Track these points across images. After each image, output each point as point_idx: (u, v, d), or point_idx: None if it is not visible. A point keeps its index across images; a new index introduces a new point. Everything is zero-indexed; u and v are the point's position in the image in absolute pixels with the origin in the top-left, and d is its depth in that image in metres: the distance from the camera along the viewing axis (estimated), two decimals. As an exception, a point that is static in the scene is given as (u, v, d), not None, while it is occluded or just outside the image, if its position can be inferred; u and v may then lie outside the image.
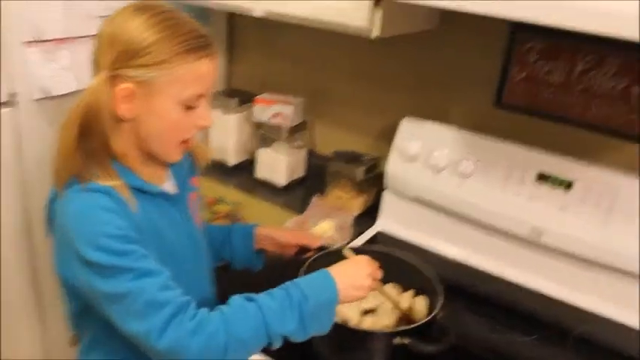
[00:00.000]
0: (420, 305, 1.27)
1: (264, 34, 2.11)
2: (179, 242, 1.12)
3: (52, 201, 1.05)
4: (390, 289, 1.33)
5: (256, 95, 1.98)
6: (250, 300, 0.99)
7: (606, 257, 1.40)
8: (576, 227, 1.42)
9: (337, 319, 1.09)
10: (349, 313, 1.25)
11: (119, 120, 1.01)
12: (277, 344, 0.99)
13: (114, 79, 0.98)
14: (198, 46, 0.98)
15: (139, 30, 0.96)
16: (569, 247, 1.44)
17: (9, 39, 1.42)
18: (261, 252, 1.37)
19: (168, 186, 1.15)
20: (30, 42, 1.45)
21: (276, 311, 0.97)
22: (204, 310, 0.95)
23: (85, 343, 1.15)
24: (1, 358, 1.78)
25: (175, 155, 1.08)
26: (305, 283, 1.04)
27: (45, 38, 1.47)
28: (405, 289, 1.34)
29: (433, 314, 1.17)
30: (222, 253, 1.36)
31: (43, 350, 1.85)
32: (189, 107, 1.02)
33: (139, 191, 1.03)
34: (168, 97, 0.99)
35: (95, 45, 1.00)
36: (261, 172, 2.03)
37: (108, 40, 0.98)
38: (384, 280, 1.31)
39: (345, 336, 1.16)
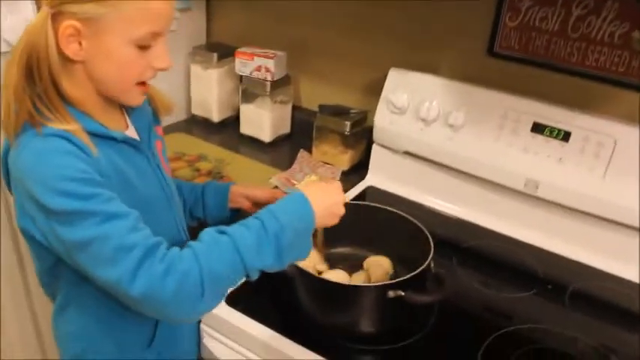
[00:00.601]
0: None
1: (244, -16, 2.02)
2: (149, 190, 1.06)
3: (6, 154, 0.97)
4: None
5: (237, 49, 1.90)
6: (222, 233, 0.93)
7: (605, 210, 1.36)
8: (574, 179, 1.37)
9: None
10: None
11: (70, 61, 0.93)
12: (254, 276, 0.95)
13: (57, 15, 0.89)
14: None
15: None
16: (567, 200, 1.40)
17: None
18: (236, 211, 1.32)
19: (131, 133, 1.08)
20: (-13, -7, 1.36)
21: (251, 244, 0.92)
22: (175, 250, 0.89)
23: (58, 301, 1.09)
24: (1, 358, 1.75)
25: (134, 98, 1.02)
26: (281, 210, 0.97)
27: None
28: (391, 244, 1.30)
29: (427, 263, 1.12)
30: (195, 211, 1.31)
31: (41, 351, 1.82)
32: (143, 47, 0.94)
33: (100, 137, 0.96)
34: (118, 37, 0.91)
35: None
36: (246, 128, 1.96)
37: None
38: (378, 235, 1.28)
39: (336, 293, 1.12)
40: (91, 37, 0.91)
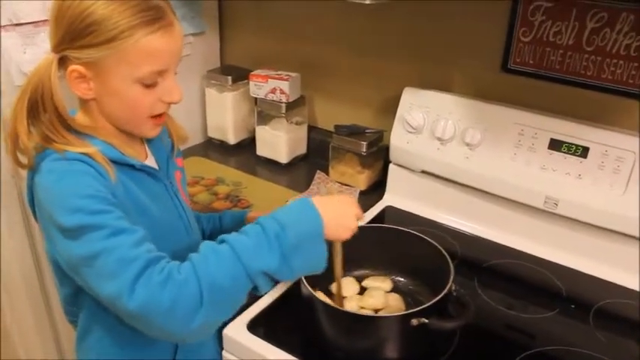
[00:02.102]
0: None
1: (256, 8, 2.02)
2: (166, 216, 1.08)
3: (31, 186, 1.00)
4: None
5: (251, 71, 1.91)
6: (221, 242, 0.93)
7: (627, 226, 1.33)
8: (594, 196, 1.35)
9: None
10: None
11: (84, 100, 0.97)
12: (263, 286, 0.93)
13: (63, 60, 0.93)
14: (145, 21, 0.91)
15: (82, 7, 0.89)
16: (587, 217, 1.38)
17: (-16, 25, 1.36)
18: None
19: (150, 162, 1.10)
20: (6, 26, 1.38)
21: (250, 247, 0.91)
22: (174, 262, 0.89)
23: (80, 328, 1.11)
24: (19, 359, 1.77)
25: (149, 131, 1.03)
26: (282, 214, 0.96)
27: (22, 21, 1.40)
28: (411, 266, 1.29)
29: (448, 288, 1.11)
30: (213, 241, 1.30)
31: (58, 350, 1.83)
32: (148, 85, 0.95)
33: (117, 164, 0.98)
34: (121, 78, 0.94)
35: (48, 22, 0.95)
36: (262, 150, 1.97)
37: (53, 19, 0.93)
38: (397, 257, 1.27)
39: (358, 323, 1.10)
40: (96, 78, 0.94)
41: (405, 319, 1.07)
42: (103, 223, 0.87)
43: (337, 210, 1.03)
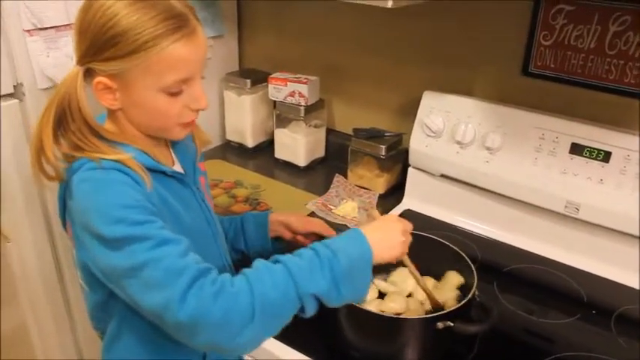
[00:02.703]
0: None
1: (274, 11, 2.03)
2: (195, 223, 1.08)
3: (62, 196, 1.01)
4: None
5: (270, 74, 1.91)
6: (275, 261, 0.93)
7: (650, 231, 1.32)
8: (616, 201, 1.34)
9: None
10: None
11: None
12: (310, 309, 0.92)
13: (90, 71, 0.94)
14: (168, 30, 0.90)
15: (104, 19, 0.89)
16: (609, 222, 1.37)
17: (9, 28, 1.37)
18: (277, 240, 1.31)
19: (177, 168, 1.10)
20: (30, 30, 1.39)
21: (304, 269, 0.91)
22: (226, 274, 0.89)
23: (108, 335, 1.11)
24: (36, 359, 1.78)
25: (178, 134, 1.04)
26: (334, 241, 0.97)
27: (45, 26, 1.41)
28: (431, 271, 1.28)
29: (472, 293, 1.12)
30: (236, 244, 1.31)
31: (76, 350, 1.84)
32: (174, 93, 0.95)
33: (150, 171, 0.98)
34: (146, 88, 0.94)
35: (73, 35, 0.96)
36: (281, 153, 1.97)
37: (77, 32, 0.93)
38: (417, 262, 1.27)
39: (384, 325, 1.11)
40: (121, 89, 0.94)
41: (430, 321, 1.07)
42: (147, 234, 0.87)
43: (384, 232, 1.03)
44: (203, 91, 0.99)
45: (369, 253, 0.97)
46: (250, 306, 0.85)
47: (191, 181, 1.11)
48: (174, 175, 1.05)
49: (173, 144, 1.13)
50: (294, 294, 0.89)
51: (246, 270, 0.91)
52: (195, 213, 1.09)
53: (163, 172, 1.02)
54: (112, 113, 1.00)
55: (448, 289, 1.23)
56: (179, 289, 0.83)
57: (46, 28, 1.41)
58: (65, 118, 0.95)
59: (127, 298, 0.91)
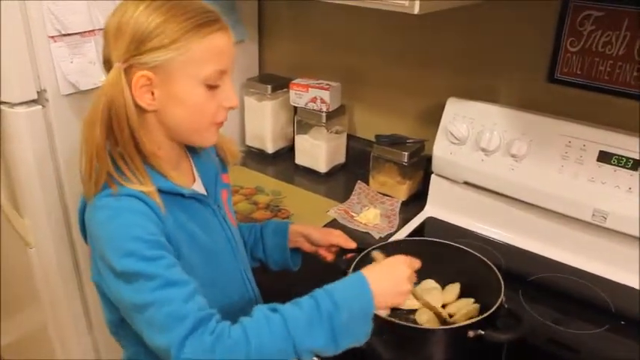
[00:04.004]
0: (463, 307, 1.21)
1: (295, 16, 2.03)
2: (214, 243, 1.08)
3: (82, 211, 1.00)
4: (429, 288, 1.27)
5: (290, 80, 1.91)
6: (275, 311, 0.91)
7: (680, 241, 1.30)
8: (645, 209, 1.32)
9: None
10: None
11: (143, 112, 0.96)
12: (307, 358, 0.91)
13: (129, 70, 0.93)
14: (207, 21, 0.94)
15: (144, 15, 0.91)
16: (638, 231, 1.34)
17: (34, 34, 1.37)
18: (296, 251, 1.30)
19: (198, 186, 1.10)
20: (55, 36, 1.39)
21: (303, 324, 0.89)
22: (225, 323, 0.88)
23: (125, 355, 1.12)
24: (56, 358, 1.79)
25: (210, 137, 1.04)
26: (337, 290, 0.94)
27: (70, 32, 1.41)
28: (456, 279, 1.27)
29: (500, 300, 1.10)
30: (255, 252, 1.31)
31: (94, 350, 1.84)
32: (212, 87, 0.96)
33: (168, 194, 0.98)
34: (188, 78, 0.94)
35: (103, 42, 0.96)
36: (301, 159, 1.97)
37: (114, 33, 0.93)
38: (442, 270, 1.25)
39: (414, 336, 1.09)
40: (162, 84, 0.94)
41: (462, 330, 1.06)
42: (155, 272, 0.87)
43: (390, 280, 1.01)
44: (234, 90, 1.00)
45: (371, 306, 0.94)
46: (246, 358, 0.85)
47: (212, 200, 1.11)
48: (193, 197, 1.04)
49: (195, 159, 1.12)
50: (292, 349, 0.88)
51: (244, 319, 0.90)
52: (215, 232, 1.09)
53: (181, 195, 1.01)
54: (142, 121, 0.97)
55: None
56: (178, 336, 0.84)
57: (70, 34, 1.41)
58: (113, 134, 0.94)
59: (136, 330, 0.92)
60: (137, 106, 0.94)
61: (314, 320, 0.89)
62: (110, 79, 0.93)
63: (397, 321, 1.10)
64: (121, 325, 1.03)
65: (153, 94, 0.95)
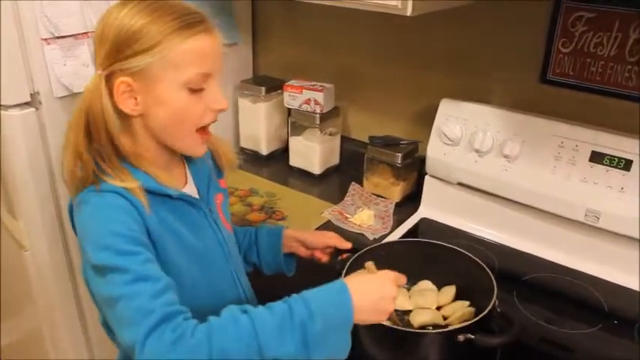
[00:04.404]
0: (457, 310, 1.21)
1: (289, 19, 2.03)
2: (204, 244, 1.07)
3: (71, 209, 1.01)
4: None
5: (284, 82, 1.91)
6: (245, 312, 0.86)
7: (672, 241, 1.30)
8: (637, 209, 1.32)
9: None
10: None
11: (129, 117, 0.96)
12: None
13: (111, 76, 0.93)
14: (189, 23, 0.93)
15: (125, 20, 0.91)
16: (630, 231, 1.35)
17: (27, 37, 1.37)
18: (291, 256, 1.30)
19: (189, 189, 1.09)
20: (48, 39, 1.39)
21: (272, 328, 0.84)
22: (191, 322, 0.85)
23: (120, 355, 1.12)
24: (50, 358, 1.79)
25: (197, 147, 1.03)
26: (314, 297, 0.89)
27: (63, 34, 1.41)
28: (449, 280, 1.28)
29: (492, 303, 1.10)
30: (249, 256, 1.31)
31: (88, 351, 1.84)
32: (195, 90, 0.95)
33: (154, 194, 0.97)
34: (169, 83, 0.94)
35: (93, 47, 0.97)
36: (295, 160, 1.97)
37: (98, 39, 0.94)
38: (436, 272, 1.25)
39: (404, 339, 1.09)
40: (144, 89, 0.94)
41: (451, 334, 1.06)
42: (128, 267, 0.86)
43: (374, 294, 0.95)
44: (222, 92, 0.99)
45: (350, 317, 0.90)
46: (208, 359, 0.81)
47: (203, 203, 1.10)
48: (182, 198, 1.04)
49: (189, 163, 1.12)
50: (256, 351, 0.83)
51: (211, 319, 0.86)
52: (205, 235, 1.08)
53: (169, 195, 1.00)
54: (128, 126, 0.98)
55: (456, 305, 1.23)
56: (142, 332, 0.81)
57: (64, 37, 1.42)
58: (92, 130, 0.94)
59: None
60: (121, 111, 0.95)
61: (285, 326, 0.85)
62: (89, 86, 0.94)
63: (387, 324, 1.10)
64: (109, 326, 1.03)
65: (136, 99, 0.95)
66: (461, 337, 1.04)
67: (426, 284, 1.29)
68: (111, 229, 0.89)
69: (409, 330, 1.14)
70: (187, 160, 1.12)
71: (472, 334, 1.04)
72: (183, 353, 0.81)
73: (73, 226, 1.01)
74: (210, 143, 1.10)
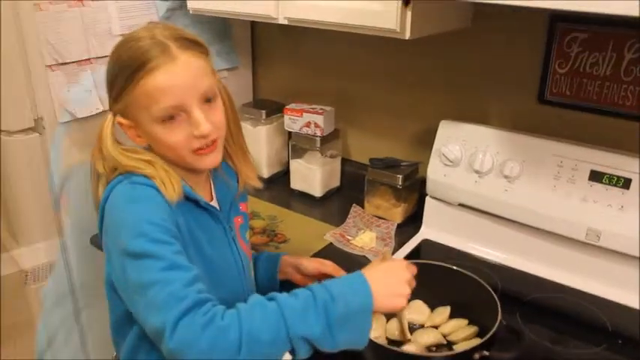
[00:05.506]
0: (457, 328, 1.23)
1: (288, 42, 2.05)
2: (219, 257, 1.10)
3: (102, 208, 1.04)
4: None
5: (284, 105, 1.93)
6: (271, 299, 0.92)
7: (673, 259, 1.31)
8: (637, 227, 1.33)
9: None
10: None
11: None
12: (302, 352, 0.91)
13: (114, 115, 1.03)
14: (138, 65, 0.96)
15: (109, 65, 1.01)
16: (631, 249, 1.35)
17: (31, 64, 1.39)
18: (286, 282, 1.31)
19: (214, 204, 1.13)
20: (52, 65, 1.41)
21: (297, 310, 0.90)
22: (220, 307, 0.89)
23: (123, 354, 1.12)
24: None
25: (199, 163, 1.05)
26: (334, 284, 0.95)
27: (67, 60, 1.43)
28: (451, 301, 1.28)
29: (498, 322, 1.12)
30: None
31: (84, 352, 1.84)
32: (170, 120, 0.99)
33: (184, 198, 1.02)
34: (145, 120, 1.00)
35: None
36: (296, 183, 1.98)
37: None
38: (437, 292, 1.26)
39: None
40: (136, 125, 1.02)
41: (467, 353, 1.07)
42: (162, 254, 0.90)
43: (389, 279, 1.01)
44: (202, 118, 1.00)
45: (369, 302, 0.95)
46: (237, 341, 0.86)
47: (224, 218, 1.14)
48: (207, 208, 1.07)
49: (215, 180, 1.17)
50: (285, 335, 0.88)
51: (239, 305, 0.91)
52: (221, 247, 1.11)
53: (196, 202, 1.05)
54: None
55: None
56: (173, 316, 0.85)
57: (67, 63, 1.43)
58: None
59: (137, 317, 0.94)
60: None
61: (309, 307, 0.90)
62: (102, 122, 1.04)
63: (398, 349, 1.10)
64: (120, 330, 1.08)
65: (134, 133, 1.03)
66: (477, 356, 1.05)
67: (416, 303, 1.30)
68: (147, 217, 0.93)
69: (424, 355, 1.15)
70: (214, 178, 1.17)
71: (487, 351, 1.05)
72: (213, 334, 0.85)
73: (100, 229, 1.04)
74: (236, 162, 1.18)
